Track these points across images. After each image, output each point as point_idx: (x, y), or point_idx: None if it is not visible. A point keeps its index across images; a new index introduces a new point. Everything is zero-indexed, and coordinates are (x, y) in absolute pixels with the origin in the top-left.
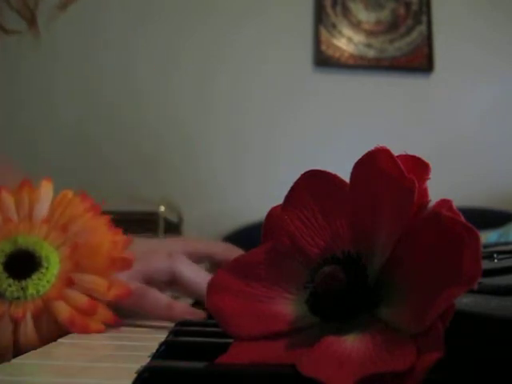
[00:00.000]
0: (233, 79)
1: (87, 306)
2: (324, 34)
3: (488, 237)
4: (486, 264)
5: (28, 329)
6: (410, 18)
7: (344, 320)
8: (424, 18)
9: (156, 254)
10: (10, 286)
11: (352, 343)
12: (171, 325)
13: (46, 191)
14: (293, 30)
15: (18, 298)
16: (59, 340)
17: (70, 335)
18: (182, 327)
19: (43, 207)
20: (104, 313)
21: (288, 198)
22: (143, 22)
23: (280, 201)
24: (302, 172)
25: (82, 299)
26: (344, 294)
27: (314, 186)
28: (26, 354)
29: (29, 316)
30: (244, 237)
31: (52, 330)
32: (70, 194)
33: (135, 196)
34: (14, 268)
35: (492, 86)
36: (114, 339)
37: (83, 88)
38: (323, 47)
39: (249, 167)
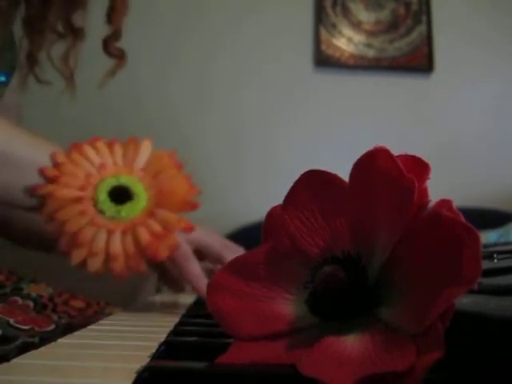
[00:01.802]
0: (233, 79)
1: (160, 232)
2: (324, 33)
3: (488, 237)
4: (485, 264)
5: (116, 241)
6: (409, 18)
7: (344, 320)
8: (424, 18)
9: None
10: (110, 207)
11: (352, 343)
12: (171, 324)
13: (146, 148)
14: (293, 29)
15: (114, 218)
16: (59, 340)
17: (70, 335)
18: (182, 327)
19: (142, 158)
20: (171, 241)
21: (288, 198)
22: (142, 22)
23: (280, 201)
24: (302, 172)
25: (157, 227)
26: (344, 294)
27: (313, 185)
28: (26, 354)
29: (118, 232)
30: (244, 237)
31: (133, 248)
32: (162, 152)
33: None
34: (115, 196)
35: (492, 86)
36: (114, 339)
37: (83, 88)
38: (323, 47)
39: (249, 167)
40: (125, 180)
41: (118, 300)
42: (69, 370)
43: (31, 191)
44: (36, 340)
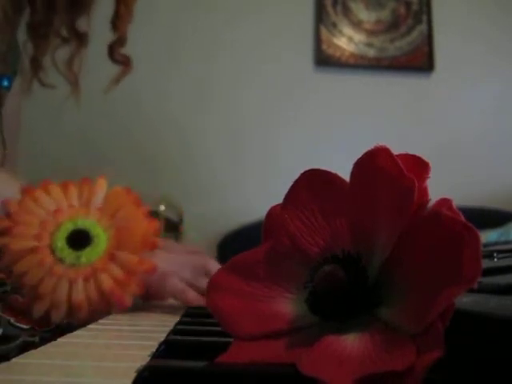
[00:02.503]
0: (233, 79)
1: (123, 279)
2: (324, 33)
3: (488, 236)
4: (485, 263)
5: (79, 289)
6: (410, 17)
7: (344, 319)
8: (424, 18)
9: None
10: (69, 254)
11: (352, 343)
12: (171, 324)
13: (101, 186)
14: (293, 29)
15: (74, 265)
16: (59, 339)
17: (69, 334)
18: (182, 327)
19: (98, 198)
20: (135, 287)
21: (288, 197)
22: (142, 22)
23: (280, 200)
24: (302, 171)
25: (119, 273)
26: (344, 293)
27: (313, 185)
28: (26, 353)
29: (80, 279)
30: (244, 236)
31: (96, 295)
32: (119, 189)
33: None
34: (73, 242)
35: (492, 86)
36: (114, 338)
37: (83, 89)
38: (324, 46)
39: (249, 167)
40: (82, 223)
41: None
42: (69, 370)
43: None
44: (36, 339)
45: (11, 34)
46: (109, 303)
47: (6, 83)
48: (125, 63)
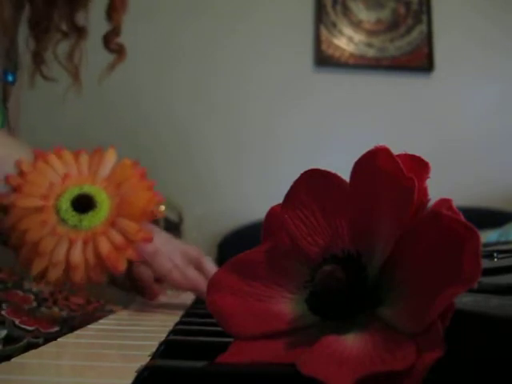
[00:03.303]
0: (232, 79)
1: (121, 244)
2: (324, 33)
3: (488, 236)
4: (485, 263)
5: (77, 251)
6: (410, 17)
7: (344, 319)
8: (424, 18)
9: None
10: (72, 216)
11: (352, 342)
12: (171, 324)
13: (110, 157)
14: (293, 29)
15: (76, 226)
16: (59, 339)
17: (70, 334)
18: (182, 327)
19: (106, 168)
20: (131, 252)
21: (288, 197)
22: (141, 20)
23: (280, 200)
24: (302, 171)
25: (118, 237)
26: (344, 293)
27: (313, 185)
28: (26, 353)
29: (79, 242)
30: (244, 236)
31: (93, 258)
32: (127, 161)
33: None
34: (77, 205)
35: (492, 85)
36: (114, 338)
37: (83, 89)
38: (323, 46)
39: (248, 167)
40: (88, 189)
41: (119, 299)
42: (69, 370)
43: (6, 180)
44: (40, 341)
45: (13, 31)
46: (104, 266)
47: (10, 78)
48: (119, 52)
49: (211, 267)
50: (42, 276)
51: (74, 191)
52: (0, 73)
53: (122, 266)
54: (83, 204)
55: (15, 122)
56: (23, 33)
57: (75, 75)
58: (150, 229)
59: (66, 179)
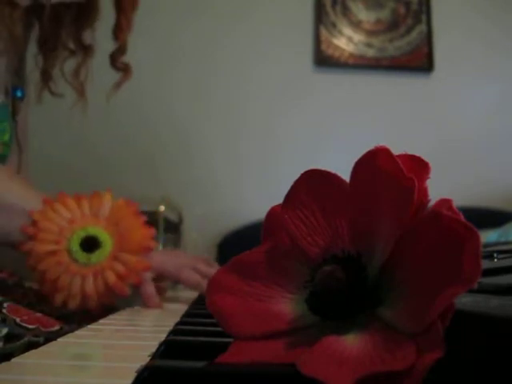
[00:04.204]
0: (232, 79)
1: (124, 273)
2: (324, 33)
3: (488, 236)
4: (486, 263)
5: (89, 284)
6: (409, 17)
7: (344, 319)
8: (424, 17)
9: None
10: (82, 256)
11: (352, 342)
12: (171, 324)
13: (107, 199)
14: (293, 29)
15: (86, 264)
16: (59, 339)
17: (70, 334)
18: (182, 327)
19: (105, 209)
20: (133, 279)
21: (288, 197)
22: (140, 20)
23: (280, 201)
24: (302, 172)
25: (121, 269)
26: (344, 293)
27: (313, 185)
28: (27, 353)
29: (90, 276)
30: (244, 236)
31: (103, 288)
32: (121, 202)
33: (135, 196)
34: (85, 246)
35: (492, 85)
36: (114, 339)
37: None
38: (323, 46)
39: (249, 167)
40: (92, 231)
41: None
42: (69, 370)
43: (21, 230)
44: (41, 340)
45: (23, 49)
46: (113, 293)
47: (19, 94)
48: (125, 70)
49: (204, 269)
50: (63, 306)
51: (80, 234)
52: (9, 88)
53: (127, 292)
54: (90, 244)
55: (24, 136)
56: (32, 50)
57: (81, 92)
58: (147, 258)
59: (72, 223)
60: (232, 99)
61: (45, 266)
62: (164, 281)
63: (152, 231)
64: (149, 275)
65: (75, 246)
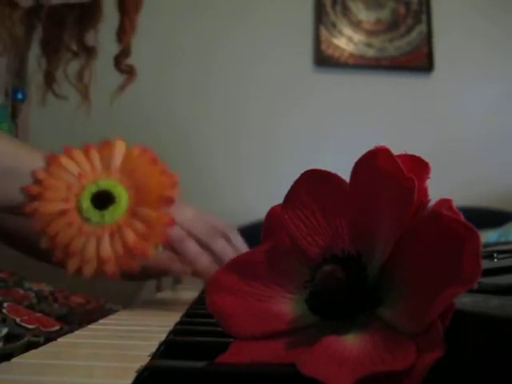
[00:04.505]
0: (232, 79)
1: (145, 232)
2: (324, 33)
3: (488, 236)
4: (486, 263)
5: (106, 246)
6: (409, 17)
7: (344, 319)
8: (424, 17)
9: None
10: (94, 214)
11: (352, 343)
12: (171, 324)
13: (119, 148)
14: (293, 29)
15: (99, 223)
16: (59, 339)
17: (70, 334)
18: (182, 327)
19: (117, 160)
20: (157, 238)
21: (288, 197)
22: (141, 20)
23: (280, 201)
24: (302, 172)
25: (141, 226)
26: (344, 293)
27: (313, 185)
28: (27, 353)
29: (106, 236)
30: (244, 237)
31: (121, 249)
32: (136, 150)
33: None
34: (97, 202)
35: (492, 85)
36: (113, 338)
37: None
38: (323, 46)
39: (248, 167)
40: (104, 184)
41: (119, 298)
42: (69, 370)
43: (24, 191)
44: (41, 340)
45: (24, 50)
46: (133, 255)
47: (20, 96)
48: (130, 73)
49: (239, 242)
50: (77, 274)
51: (91, 189)
52: (9, 90)
53: (151, 252)
54: (102, 200)
55: (25, 139)
56: (35, 52)
57: (85, 94)
58: (170, 212)
59: (81, 178)
60: (232, 99)
61: (54, 228)
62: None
63: (174, 178)
64: (180, 230)
65: (86, 203)
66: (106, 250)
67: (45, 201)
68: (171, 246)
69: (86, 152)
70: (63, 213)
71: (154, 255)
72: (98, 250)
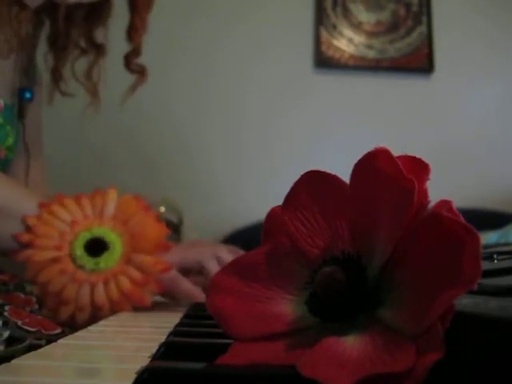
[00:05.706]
0: (232, 80)
1: (141, 280)
2: (324, 34)
3: (488, 238)
4: (486, 265)
5: (100, 292)
6: (410, 18)
7: (344, 321)
8: (424, 19)
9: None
10: (88, 261)
11: (352, 344)
12: (171, 325)
13: (112, 196)
14: (293, 30)
15: (94, 270)
16: (59, 341)
17: (70, 336)
18: (182, 328)
19: (110, 207)
20: (153, 286)
21: (288, 198)
22: None
23: (279, 202)
24: (302, 173)
25: (137, 273)
26: (344, 294)
27: (313, 186)
28: (27, 354)
29: (101, 282)
30: (244, 238)
31: (117, 295)
32: (128, 197)
33: None
34: (91, 249)
35: (493, 86)
36: (114, 340)
37: (83, 89)
38: (323, 48)
39: (248, 168)
40: (97, 232)
41: None
42: (69, 371)
43: (15, 238)
44: (43, 342)
45: (32, 48)
46: (129, 303)
47: (28, 95)
48: (141, 72)
49: (230, 258)
50: (70, 321)
51: (84, 236)
52: (16, 90)
53: (148, 301)
54: (96, 247)
55: (37, 139)
56: (43, 49)
57: (94, 92)
58: (166, 259)
59: (74, 226)
60: (232, 99)
61: (46, 276)
62: (189, 275)
63: (166, 229)
64: (174, 272)
65: (79, 250)
66: (101, 296)
67: (37, 249)
68: (166, 292)
69: (78, 200)
70: (56, 260)
71: (151, 303)
72: (93, 296)
